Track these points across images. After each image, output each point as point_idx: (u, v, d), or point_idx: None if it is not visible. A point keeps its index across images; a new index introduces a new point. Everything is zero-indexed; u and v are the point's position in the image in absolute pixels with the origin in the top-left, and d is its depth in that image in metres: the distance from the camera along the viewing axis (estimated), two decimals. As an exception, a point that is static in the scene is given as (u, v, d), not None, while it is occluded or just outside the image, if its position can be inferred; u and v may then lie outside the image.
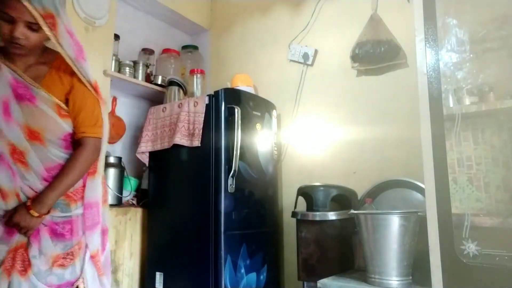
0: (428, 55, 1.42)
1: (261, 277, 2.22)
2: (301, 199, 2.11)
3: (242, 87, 2.52)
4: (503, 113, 1.45)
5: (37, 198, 1.27)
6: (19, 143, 1.27)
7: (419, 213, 1.57)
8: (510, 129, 1.48)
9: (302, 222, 2.00)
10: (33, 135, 1.29)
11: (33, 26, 1.24)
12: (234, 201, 2.10)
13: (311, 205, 2.01)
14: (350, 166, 2.29)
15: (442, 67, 1.41)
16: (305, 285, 1.97)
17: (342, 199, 2.05)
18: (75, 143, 1.39)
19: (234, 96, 2.23)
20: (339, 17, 2.47)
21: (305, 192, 2.07)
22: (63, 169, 1.33)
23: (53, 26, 1.25)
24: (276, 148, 2.48)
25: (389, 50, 2.14)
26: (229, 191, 2.08)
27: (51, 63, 1.38)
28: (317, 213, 1.94)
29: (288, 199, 2.49)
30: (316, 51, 2.55)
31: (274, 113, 2.50)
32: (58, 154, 1.35)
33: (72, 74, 1.38)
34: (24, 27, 1.23)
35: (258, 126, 2.31)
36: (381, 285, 1.55)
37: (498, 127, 1.50)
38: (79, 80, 1.39)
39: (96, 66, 2.22)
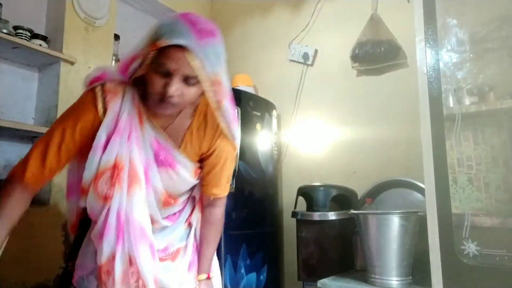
0: (428, 55, 1.42)
1: (261, 277, 2.22)
2: (301, 199, 2.11)
3: (242, 87, 2.52)
4: (503, 113, 1.45)
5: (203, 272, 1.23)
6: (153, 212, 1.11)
7: (419, 213, 1.57)
8: (510, 129, 1.47)
9: (302, 222, 2.00)
10: (167, 201, 1.14)
11: (191, 81, 0.99)
12: (234, 201, 2.10)
13: (311, 205, 2.01)
14: (350, 166, 2.29)
15: (442, 67, 1.41)
16: (305, 285, 1.97)
17: (342, 199, 2.05)
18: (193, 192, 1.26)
19: (234, 96, 2.22)
20: (339, 17, 2.47)
21: (305, 192, 2.07)
22: (211, 235, 1.26)
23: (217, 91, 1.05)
24: (276, 148, 2.48)
25: (389, 50, 2.14)
26: (229, 191, 2.07)
27: (192, 118, 1.16)
28: (317, 213, 1.94)
29: (288, 199, 2.49)
30: (316, 51, 2.55)
31: (274, 113, 2.50)
32: (181, 204, 1.23)
33: (216, 133, 1.16)
34: (180, 82, 0.99)
35: (258, 126, 2.31)
36: (381, 285, 1.55)
37: (498, 127, 1.50)
38: (225, 139, 1.18)
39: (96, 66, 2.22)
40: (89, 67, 2.18)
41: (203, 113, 1.16)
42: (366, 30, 2.22)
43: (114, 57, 2.39)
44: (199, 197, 1.27)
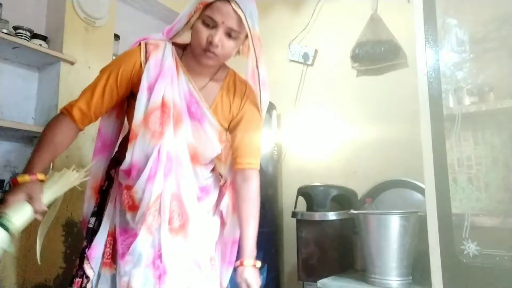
0: (428, 55, 1.42)
1: (261, 277, 2.21)
2: (301, 199, 2.11)
3: (242, 87, 2.52)
4: (503, 113, 1.45)
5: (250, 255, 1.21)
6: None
7: (419, 213, 1.57)
8: (510, 129, 1.48)
9: (302, 222, 2.00)
10: (194, 157, 1.19)
11: (232, 34, 1.12)
12: (234, 201, 2.10)
13: (311, 205, 2.01)
14: (350, 166, 2.29)
15: (442, 67, 1.41)
16: (305, 285, 1.97)
17: (342, 199, 2.05)
18: (220, 168, 1.31)
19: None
20: (339, 17, 2.47)
21: (305, 192, 2.07)
22: (251, 211, 1.23)
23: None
24: (276, 148, 2.48)
25: (389, 50, 2.14)
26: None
27: (222, 82, 1.27)
28: (317, 213, 1.94)
29: (288, 199, 2.49)
30: (316, 51, 2.55)
31: (274, 113, 2.50)
32: (206, 175, 1.25)
33: (244, 96, 1.29)
34: (223, 34, 1.10)
35: (258, 126, 2.31)
36: (381, 285, 1.55)
37: (498, 127, 1.50)
38: (254, 104, 1.31)
39: (96, 66, 2.22)
40: (89, 67, 2.18)
41: (232, 78, 1.29)
42: (366, 30, 2.22)
43: (114, 57, 2.39)
44: (230, 181, 1.29)
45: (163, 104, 1.11)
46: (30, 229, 1.85)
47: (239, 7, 1.08)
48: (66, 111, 1.11)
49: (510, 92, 1.44)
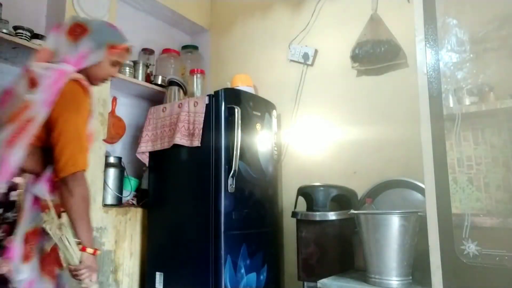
0: (428, 55, 1.42)
1: (261, 277, 2.22)
2: (301, 199, 2.11)
3: (242, 87, 2.52)
4: (503, 113, 1.45)
5: None
6: None
7: (419, 213, 1.57)
8: (510, 129, 1.47)
9: (302, 222, 2.00)
10: None
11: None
12: (234, 201, 2.10)
13: (311, 205, 2.01)
14: (350, 166, 2.29)
15: (442, 67, 1.41)
16: (305, 285, 1.97)
17: (342, 199, 2.05)
18: None
19: (234, 96, 2.23)
20: (339, 17, 2.47)
21: (305, 192, 2.07)
22: None
23: None
24: (276, 148, 2.48)
25: (389, 50, 2.14)
26: (229, 191, 2.08)
27: None
28: (317, 213, 1.94)
29: (288, 199, 2.49)
30: (316, 51, 2.55)
31: (274, 113, 2.50)
32: None
33: None
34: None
35: (258, 126, 2.31)
36: (381, 285, 1.55)
37: (498, 127, 1.50)
38: None
39: (96, 66, 2.22)
40: (89, 67, 2.18)
41: None
42: (366, 30, 2.22)
43: (114, 57, 2.39)
44: None
45: None
46: (30, 229, 1.85)
47: None
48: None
49: (510, 92, 1.44)
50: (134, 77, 2.53)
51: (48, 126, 1.22)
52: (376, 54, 2.16)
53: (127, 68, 2.47)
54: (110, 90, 2.34)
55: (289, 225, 2.44)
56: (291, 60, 2.62)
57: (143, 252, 2.40)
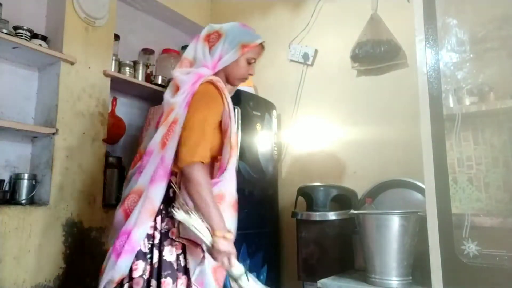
0: (428, 55, 1.42)
1: (261, 277, 2.21)
2: (301, 199, 2.11)
3: (242, 87, 2.51)
4: (503, 113, 1.45)
5: None
6: None
7: (419, 213, 1.57)
8: (510, 129, 1.48)
9: (302, 222, 2.00)
10: None
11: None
12: (234, 201, 2.10)
13: (311, 205, 2.01)
14: (350, 166, 2.29)
15: (442, 67, 1.41)
16: (305, 285, 1.97)
17: (342, 199, 2.05)
18: None
19: (234, 96, 2.22)
20: (339, 17, 2.47)
21: (305, 192, 2.07)
22: None
23: None
24: (276, 148, 2.48)
25: (389, 50, 2.14)
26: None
27: None
28: (317, 213, 1.94)
29: (288, 199, 2.49)
30: (316, 51, 2.55)
31: (274, 113, 2.50)
32: None
33: None
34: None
35: (258, 126, 2.31)
36: (381, 285, 1.55)
37: (498, 127, 1.50)
38: None
39: (96, 66, 2.22)
40: (89, 67, 2.18)
41: None
42: (366, 30, 2.22)
43: (114, 57, 2.39)
44: None
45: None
46: (30, 230, 1.85)
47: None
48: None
49: (510, 92, 1.44)
50: (134, 77, 2.52)
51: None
52: (376, 54, 2.16)
53: (127, 68, 2.47)
54: (110, 90, 2.34)
55: (289, 225, 2.44)
56: (291, 60, 2.63)
57: (143, 252, 2.39)
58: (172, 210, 1.26)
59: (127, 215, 1.30)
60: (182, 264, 1.32)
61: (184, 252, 1.34)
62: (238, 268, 1.26)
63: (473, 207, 1.44)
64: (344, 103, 2.37)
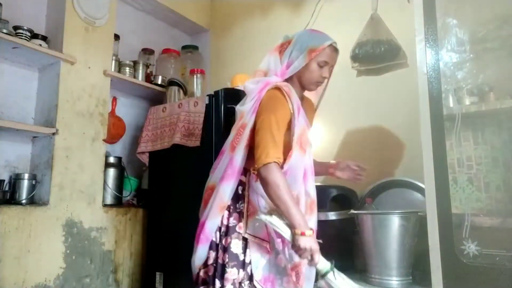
0: (428, 55, 1.42)
1: (261, 277, 2.21)
2: (301, 199, 2.11)
3: (242, 87, 2.51)
4: (503, 113, 1.45)
5: None
6: None
7: (419, 213, 1.57)
8: (510, 129, 1.47)
9: (302, 222, 1.99)
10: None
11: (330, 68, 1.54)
12: (234, 201, 2.10)
13: (311, 205, 2.00)
14: (350, 166, 2.28)
15: (442, 67, 1.41)
16: (305, 285, 1.97)
17: (342, 199, 2.04)
18: None
19: (234, 96, 2.22)
20: (339, 17, 2.47)
21: (305, 192, 2.07)
22: None
23: None
24: (276, 148, 2.47)
25: (389, 50, 2.14)
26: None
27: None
28: (317, 213, 1.93)
29: (288, 199, 2.48)
30: (316, 51, 2.55)
31: (274, 113, 2.49)
32: None
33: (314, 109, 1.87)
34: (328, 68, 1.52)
35: (258, 126, 2.31)
36: (381, 285, 1.55)
37: (498, 127, 1.50)
38: None
39: (96, 66, 2.22)
40: (89, 67, 2.18)
41: (305, 98, 1.69)
42: (366, 30, 2.22)
43: (114, 57, 2.39)
44: None
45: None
46: (30, 229, 1.85)
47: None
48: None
49: (510, 92, 1.44)
50: (134, 77, 2.53)
51: (255, 129, 1.41)
52: (376, 54, 2.16)
53: (127, 68, 2.47)
54: (110, 90, 2.34)
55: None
56: (291, 60, 2.62)
57: (143, 252, 2.40)
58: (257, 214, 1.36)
59: (205, 206, 1.49)
60: (243, 258, 1.42)
61: (245, 248, 1.43)
62: (323, 264, 1.31)
63: (473, 207, 1.44)
64: (344, 103, 2.37)
